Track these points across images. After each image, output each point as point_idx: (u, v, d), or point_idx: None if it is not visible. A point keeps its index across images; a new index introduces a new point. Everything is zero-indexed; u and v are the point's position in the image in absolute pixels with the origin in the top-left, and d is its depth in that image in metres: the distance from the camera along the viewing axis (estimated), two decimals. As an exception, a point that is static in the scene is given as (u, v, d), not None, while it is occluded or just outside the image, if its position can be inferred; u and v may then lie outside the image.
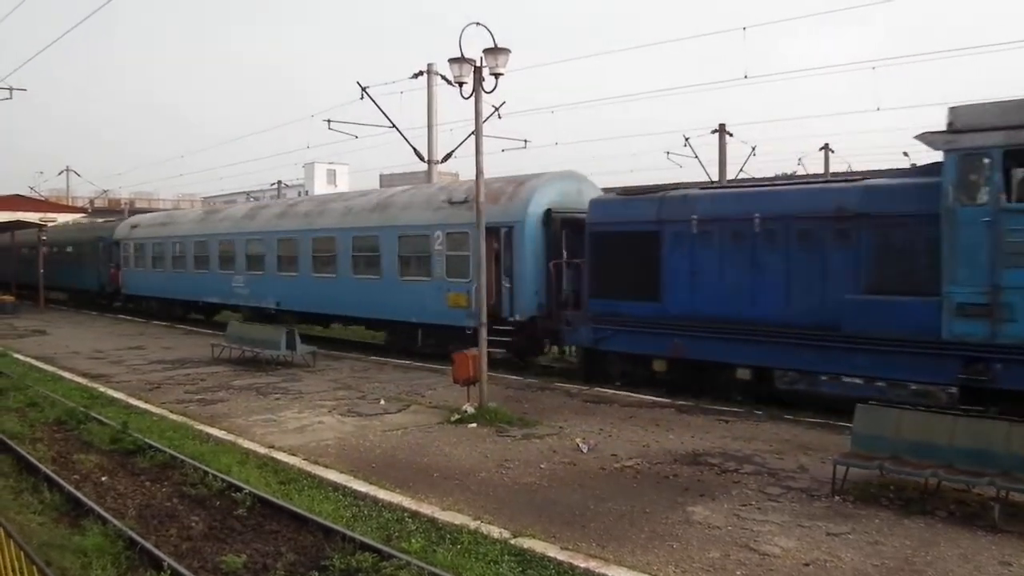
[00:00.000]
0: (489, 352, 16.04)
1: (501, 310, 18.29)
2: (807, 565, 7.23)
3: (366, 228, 22.25)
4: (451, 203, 19.84)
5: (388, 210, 21.99)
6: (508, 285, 18.34)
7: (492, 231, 17.60)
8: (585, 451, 11.26)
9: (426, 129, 28.50)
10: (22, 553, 6.02)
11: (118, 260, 36.47)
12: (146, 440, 11.79)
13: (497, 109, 24.85)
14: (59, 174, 69.67)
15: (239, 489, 9.43)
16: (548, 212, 18.40)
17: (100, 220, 56.31)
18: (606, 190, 20.44)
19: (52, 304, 40.33)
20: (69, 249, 42.66)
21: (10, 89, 33.16)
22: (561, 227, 18.21)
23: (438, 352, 19.35)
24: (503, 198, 18.72)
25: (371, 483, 9.82)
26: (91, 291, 39.62)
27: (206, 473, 10.09)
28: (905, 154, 38.99)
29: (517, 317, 18.12)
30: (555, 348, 19.89)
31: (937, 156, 12.12)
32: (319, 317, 24.92)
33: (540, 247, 18.26)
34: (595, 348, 16.73)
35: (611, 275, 16.25)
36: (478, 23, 12.85)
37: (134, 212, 69.75)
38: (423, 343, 20.60)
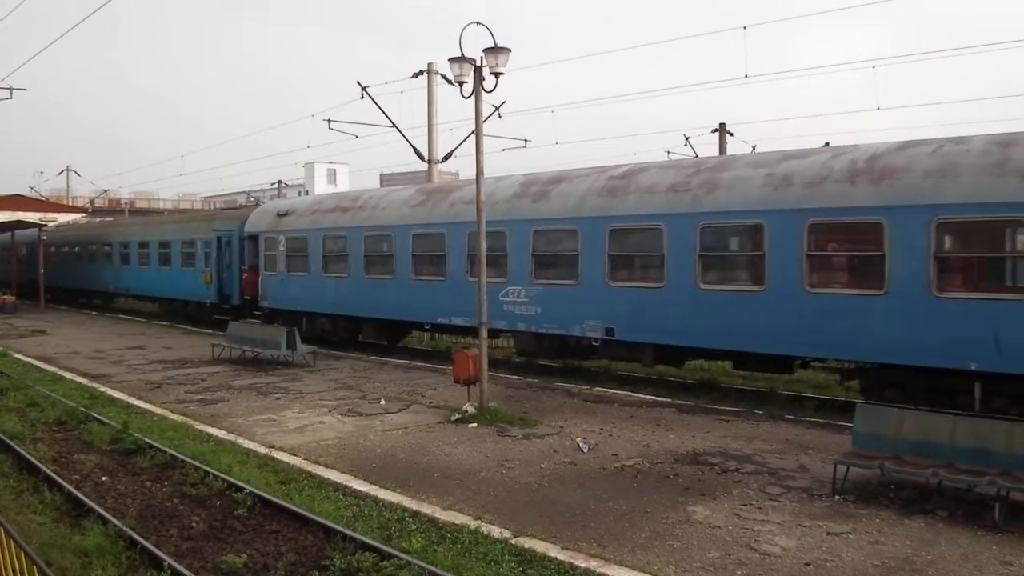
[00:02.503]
0: None
1: None
2: (808, 565, 7.23)
3: (844, 209, 13.11)
4: None
5: (897, 178, 12.71)
6: None
7: None
8: (585, 451, 11.25)
9: (426, 129, 28.53)
10: (22, 553, 6.02)
11: (255, 261, 26.35)
12: (146, 440, 11.78)
13: (497, 108, 24.90)
14: (59, 174, 70.01)
15: (239, 489, 9.42)
16: None
17: (208, 210, 50.91)
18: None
19: (53, 305, 40.06)
20: (160, 247, 33.04)
21: (10, 89, 33.22)
22: None
23: None
24: None
25: (371, 483, 9.81)
26: (199, 302, 29.95)
27: (206, 473, 10.08)
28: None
29: None
30: None
31: None
32: (703, 353, 16.33)
33: None
34: None
35: None
36: (478, 22, 12.86)
37: (134, 212, 70.04)
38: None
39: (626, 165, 17.27)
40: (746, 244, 14.76)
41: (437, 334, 23.35)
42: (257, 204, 36.47)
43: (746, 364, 15.85)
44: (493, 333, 19.42)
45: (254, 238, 26.50)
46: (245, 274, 26.88)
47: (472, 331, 18.93)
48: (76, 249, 41.42)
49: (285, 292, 24.97)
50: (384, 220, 21.81)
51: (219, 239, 28.57)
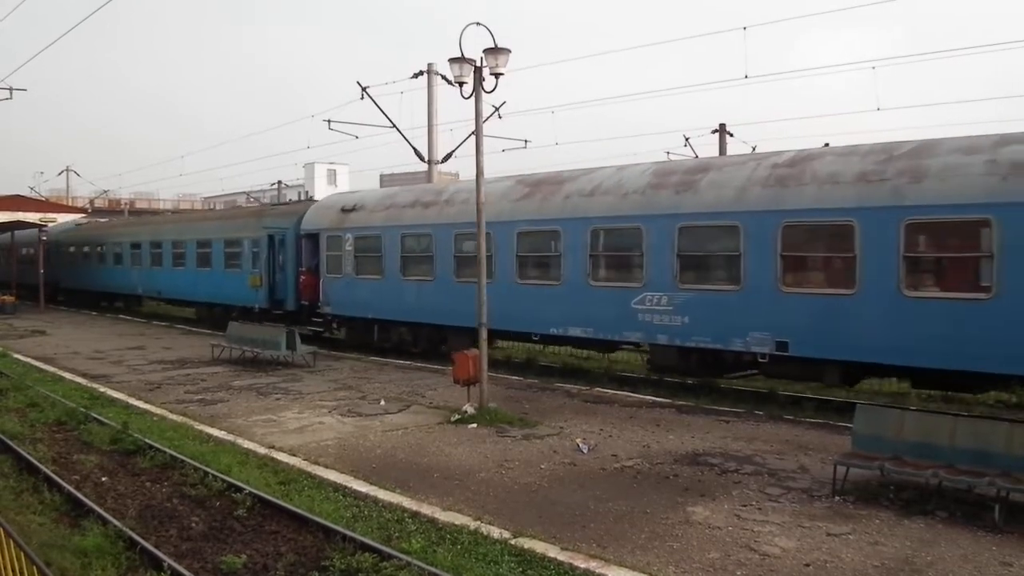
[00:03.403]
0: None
1: None
2: (807, 565, 7.23)
3: None
4: None
5: None
6: None
7: None
8: (585, 451, 11.25)
9: (426, 129, 28.53)
10: (22, 553, 6.02)
11: (313, 262, 23.91)
12: (146, 440, 11.78)
13: (497, 109, 24.92)
14: (59, 174, 70.08)
15: (239, 489, 9.42)
16: None
17: (256, 205, 44.91)
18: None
19: (52, 306, 39.92)
20: (198, 246, 29.93)
21: (10, 89, 33.26)
22: None
23: None
24: None
25: (371, 483, 9.81)
26: (246, 308, 26.63)
27: (206, 473, 10.08)
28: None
29: None
30: None
31: None
32: (898, 371, 13.82)
33: None
34: None
35: None
36: (478, 23, 12.86)
37: (134, 212, 70.04)
38: None
39: (789, 151, 14.99)
40: (967, 243, 12.39)
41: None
42: (312, 200, 32.95)
43: (929, 382, 13.69)
44: (613, 345, 17.77)
45: (313, 236, 23.85)
46: (303, 277, 24.17)
47: (595, 343, 17.36)
48: (99, 249, 38.25)
49: (352, 297, 22.31)
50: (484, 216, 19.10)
51: (271, 237, 25.55)
